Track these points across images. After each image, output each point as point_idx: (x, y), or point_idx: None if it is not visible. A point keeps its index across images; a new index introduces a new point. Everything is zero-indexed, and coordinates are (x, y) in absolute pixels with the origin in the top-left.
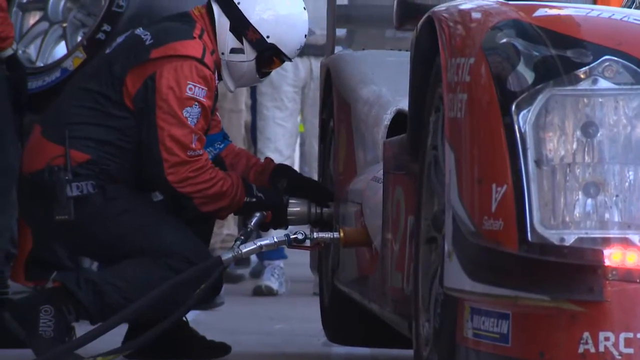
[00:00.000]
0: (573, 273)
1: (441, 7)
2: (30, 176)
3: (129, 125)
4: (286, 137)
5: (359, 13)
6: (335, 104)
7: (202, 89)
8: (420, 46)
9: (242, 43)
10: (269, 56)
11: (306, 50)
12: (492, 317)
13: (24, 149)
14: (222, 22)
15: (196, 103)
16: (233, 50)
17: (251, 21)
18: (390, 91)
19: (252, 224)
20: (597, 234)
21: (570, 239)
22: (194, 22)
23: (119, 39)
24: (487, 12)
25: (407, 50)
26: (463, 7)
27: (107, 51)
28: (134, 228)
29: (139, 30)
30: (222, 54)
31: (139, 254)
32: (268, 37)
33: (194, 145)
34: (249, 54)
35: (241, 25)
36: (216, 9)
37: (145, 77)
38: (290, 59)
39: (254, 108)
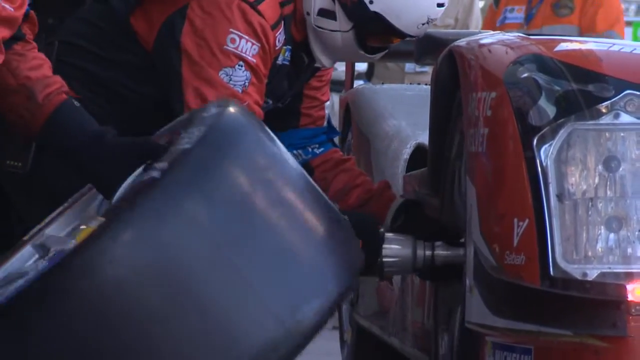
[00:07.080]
0: (596, 308)
1: (462, 42)
2: None
3: (137, 66)
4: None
5: None
6: (354, 138)
7: (251, 42)
8: (440, 80)
9: (335, 4)
10: (373, 29)
11: None
12: (514, 352)
13: None
14: None
15: (241, 63)
16: (322, 13)
17: None
18: (409, 125)
19: None
20: (620, 268)
21: (592, 274)
22: None
23: None
24: (508, 46)
25: (426, 85)
26: (484, 41)
27: None
28: None
29: None
30: (307, 14)
31: None
32: (371, 2)
33: None
34: (343, 23)
35: None
36: None
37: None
38: (410, 36)
39: None
